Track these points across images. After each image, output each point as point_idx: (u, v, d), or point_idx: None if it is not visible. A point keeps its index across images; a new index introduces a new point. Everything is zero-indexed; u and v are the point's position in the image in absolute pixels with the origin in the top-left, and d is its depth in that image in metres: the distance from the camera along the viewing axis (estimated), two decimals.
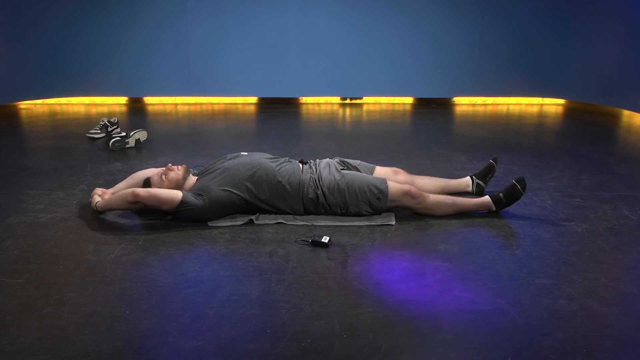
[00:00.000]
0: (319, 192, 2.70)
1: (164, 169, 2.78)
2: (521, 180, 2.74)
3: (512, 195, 2.74)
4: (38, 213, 2.79)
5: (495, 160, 3.09)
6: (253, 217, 2.71)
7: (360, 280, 2.17)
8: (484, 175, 3.06)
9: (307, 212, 2.74)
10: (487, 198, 2.78)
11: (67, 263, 2.29)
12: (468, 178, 3.08)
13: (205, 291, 2.09)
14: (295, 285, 2.12)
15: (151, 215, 2.72)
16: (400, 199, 2.71)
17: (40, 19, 5.21)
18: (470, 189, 3.05)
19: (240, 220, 2.68)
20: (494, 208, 2.77)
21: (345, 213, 2.73)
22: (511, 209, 2.79)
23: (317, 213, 2.74)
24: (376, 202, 2.70)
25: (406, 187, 2.72)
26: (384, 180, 2.73)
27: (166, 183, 2.70)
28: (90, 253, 2.38)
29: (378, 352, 1.75)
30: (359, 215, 2.73)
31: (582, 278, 2.19)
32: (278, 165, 2.75)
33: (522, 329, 1.87)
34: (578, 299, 2.04)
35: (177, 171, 2.73)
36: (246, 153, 2.87)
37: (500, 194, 2.76)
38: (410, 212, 2.78)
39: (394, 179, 2.88)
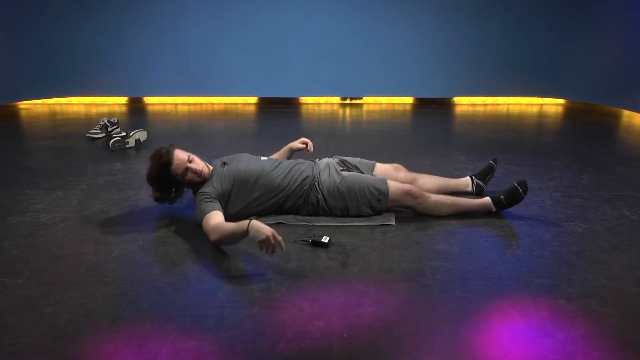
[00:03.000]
0: (319, 195, 2.69)
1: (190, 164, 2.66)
2: (523, 184, 2.73)
3: (512, 197, 2.74)
4: (38, 213, 2.79)
5: (495, 160, 3.09)
6: (253, 217, 2.71)
7: (360, 280, 2.17)
8: (484, 176, 3.06)
9: (307, 213, 2.74)
10: (487, 199, 2.78)
11: (67, 263, 2.29)
12: (468, 178, 3.08)
13: (205, 291, 2.09)
14: (295, 285, 2.12)
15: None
16: (401, 199, 2.71)
17: (40, 19, 5.21)
18: (469, 189, 3.05)
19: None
20: (494, 209, 2.77)
21: (346, 214, 2.73)
22: (511, 209, 2.79)
23: (317, 214, 2.74)
24: (376, 203, 2.70)
25: (407, 187, 2.72)
26: (384, 181, 2.73)
27: (191, 175, 2.65)
28: (90, 253, 2.38)
29: (378, 352, 1.75)
30: (359, 216, 2.73)
31: (582, 278, 2.18)
32: (278, 167, 2.74)
33: (522, 328, 1.87)
34: (578, 299, 2.04)
35: (198, 162, 2.66)
36: (259, 157, 2.82)
37: (501, 196, 2.76)
38: (411, 211, 2.78)
39: (394, 175, 2.88)
